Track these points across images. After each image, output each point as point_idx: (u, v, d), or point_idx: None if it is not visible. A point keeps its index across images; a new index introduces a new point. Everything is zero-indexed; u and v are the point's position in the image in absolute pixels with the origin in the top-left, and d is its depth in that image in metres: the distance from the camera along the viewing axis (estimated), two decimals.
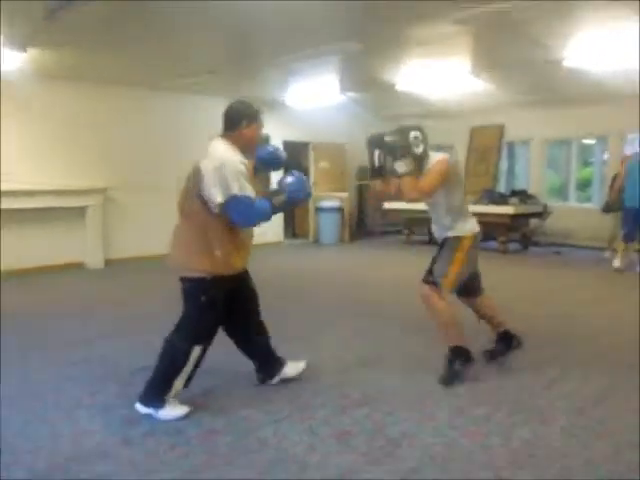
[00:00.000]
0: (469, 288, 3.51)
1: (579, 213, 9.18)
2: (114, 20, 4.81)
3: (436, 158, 3.29)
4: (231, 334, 3.23)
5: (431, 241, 10.35)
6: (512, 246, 9.29)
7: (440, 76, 7.09)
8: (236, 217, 2.74)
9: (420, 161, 3.25)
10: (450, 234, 3.35)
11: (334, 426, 2.81)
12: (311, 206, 10.85)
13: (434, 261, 3.36)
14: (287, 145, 10.32)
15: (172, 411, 2.91)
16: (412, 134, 3.22)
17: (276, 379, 3.34)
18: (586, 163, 11.39)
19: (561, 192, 10.78)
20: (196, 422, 2.86)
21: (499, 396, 3.20)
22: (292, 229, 11.31)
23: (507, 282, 6.35)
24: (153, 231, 8.44)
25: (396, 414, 2.95)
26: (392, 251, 9.70)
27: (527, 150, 10.59)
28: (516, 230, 9.16)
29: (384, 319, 4.86)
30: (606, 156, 9.73)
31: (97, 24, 4.93)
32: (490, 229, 9.42)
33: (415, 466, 2.42)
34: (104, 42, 5.66)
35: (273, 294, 6.05)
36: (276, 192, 2.89)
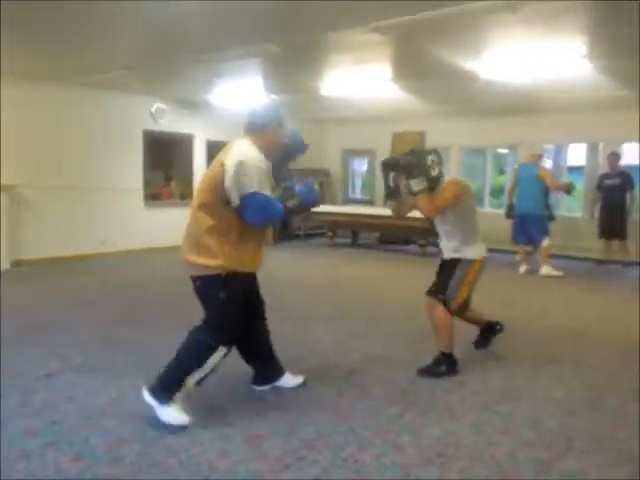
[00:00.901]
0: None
1: (492, 218, 9.61)
2: (27, 13, 4.53)
3: (449, 180, 3.63)
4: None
5: (354, 243, 10.61)
6: (431, 249, 9.57)
7: (362, 82, 7.20)
8: (250, 214, 2.71)
9: (435, 182, 3.50)
10: (463, 256, 3.59)
11: (248, 430, 2.76)
12: None
13: (444, 278, 3.64)
14: (212, 145, 10.20)
15: (176, 415, 2.79)
16: (429, 157, 3.46)
17: (269, 386, 3.30)
18: (501, 171, 11.97)
19: (477, 198, 11.25)
20: (102, 431, 2.73)
21: (413, 395, 3.27)
22: None
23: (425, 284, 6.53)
24: (66, 231, 8.09)
25: (311, 416, 2.94)
26: (315, 253, 9.74)
27: (446, 157, 10.97)
28: (435, 234, 9.45)
29: (305, 319, 4.86)
30: (516, 165, 10.24)
31: (9, 17, 4.62)
32: (410, 233, 9.73)
33: (327, 467, 2.42)
34: (16, 36, 5.32)
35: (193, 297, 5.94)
36: (286, 195, 2.90)
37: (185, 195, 9.96)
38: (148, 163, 9.32)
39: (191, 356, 2.83)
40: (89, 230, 8.38)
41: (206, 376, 2.86)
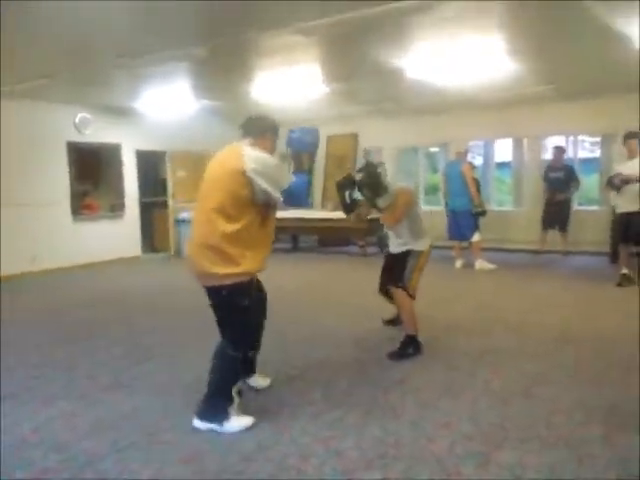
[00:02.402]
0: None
1: (428, 215, 9.78)
2: None
3: (398, 187, 4.11)
4: None
5: (294, 247, 10.54)
6: (371, 249, 9.66)
7: (293, 85, 7.17)
8: (294, 201, 2.96)
9: (385, 190, 4.00)
10: (412, 248, 4.10)
11: (183, 449, 2.65)
12: (170, 218, 10.45)
13: (399, 269, 4.07)
14: (141, 154, 9.90)
15: (238, 422, 2.84)
16: (380, 169, 3.99)
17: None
18: (434, 170, 12.22)
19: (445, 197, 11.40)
20: (26, 461, 2.55)
21: (353, 397, 3.24)
22: (150, 242, 10.79)
23: (368, 283, 6.55)
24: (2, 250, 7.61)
25: (251, 429, 2.85)
26: None
27: (380, 157, 11.11)
28: (373, 234, 9.52)
29: None
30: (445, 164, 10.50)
31: None
32: (350, 234, 9.78)
33: None
34: None
35: (133, 311, 5.73)
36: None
37: (115, 207, 9.62)
38: (75, 175, 8.92)
39: (228, 371, 2.88)
40: (17, 248, 7.91)
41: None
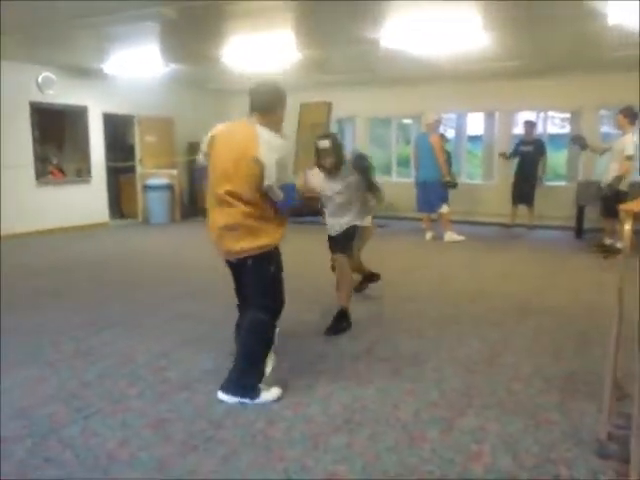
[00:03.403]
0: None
1: (400, 188, 9.84)
2: None
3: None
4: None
5: None
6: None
7: (266, 50, 7.01)
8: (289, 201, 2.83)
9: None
10: (357, 223, 4.06)
11: (150, 415, 2.65)
12: (139, 183, 10.25)
13: (344, 241, 4.03)
14: (108, 118, 9.62)
15: (269, 394, 2.81)
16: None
17: None
18: (407, 141, 12.22)
19: (385, 168, 11.45)
20: None
21: (321, 365, 3.27)
22: (119, 208, 10.60)
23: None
24: None
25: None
26: None
27: (352, 127, 11.05)
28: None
29: (209, 300, 4.74)
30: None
31: None
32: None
33: (236, 446, 2.37)
34: None
35: (97, 278, 5.64)
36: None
37: (81, 171, 9.38)
38: (38, 138, 8.62)
39: (262, 341, 2.86)
40: None
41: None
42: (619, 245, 6.39)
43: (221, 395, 2.82)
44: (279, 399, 2.81)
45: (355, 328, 3.94)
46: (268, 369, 2.91)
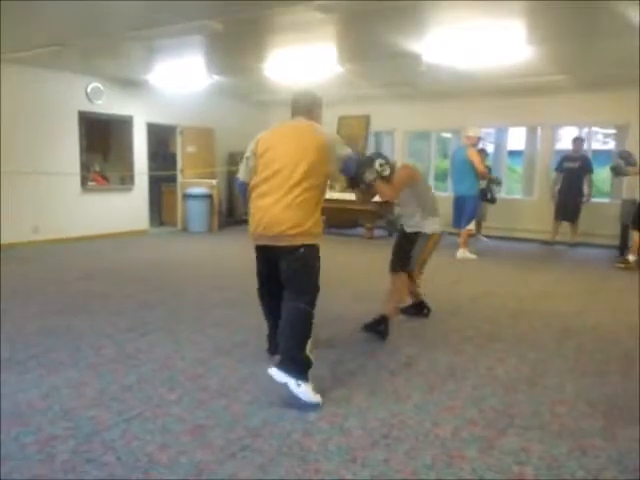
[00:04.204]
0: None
1: (439, 201, 9.73)
2: None
3: (399, 165, 4.14)
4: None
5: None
6: (377, 232, 9.65)
7: (307, 64, 7.09)
8: (351, 168, 3.28)
9: (389, 178, 3.75)
10: (421, 230, 4.10)
11: (189, 421, 2.67)
12: (179, 192, 10.45)
13: (406, 250, 4.14)
14: (152, 127, 9.86)
15: (312, 393, 2.88)
16: (377, 162, 3.66)
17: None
18: (445, 155, 12.13)
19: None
20: (34, 428, 2.58)
21: (359, 377, 3.26)
22: (159, 216, 10.82)
23: (374, 267, 6.56)
24: (6, 218, 7.62)
25: (257, 403, 2.88)
26: None
27: (391, 140, 11.03)
28: (381, 217, 9.50)
29: (246, 308, 4.76)
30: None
31: None
32: (357, 216, 9.74)
33: (273, 455, 2.37)
34: None
35: (137, 284, 5.75)
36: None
37: (124, 179, 9.62)
38: (85, 146, 8.90)
39: (304, 327, 2.96)
40: (21, 217, 7.94)
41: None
42: (630, 257, 6.77)
43: (272, 371, 2.89)
44: (319, 406, 2.82)
45: (394, 341, 3.91)
46: (312, 357, 2.95)
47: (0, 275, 5.83)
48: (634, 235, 6.96)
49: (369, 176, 3.62)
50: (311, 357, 2.93)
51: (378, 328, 3.96)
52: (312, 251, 3.07)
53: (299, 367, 2.88)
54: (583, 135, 9.21)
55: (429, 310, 4.60)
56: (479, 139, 7.90)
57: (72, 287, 5.62)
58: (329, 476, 2.22)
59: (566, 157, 8.67)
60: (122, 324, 4.27)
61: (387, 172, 3.69)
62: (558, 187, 8.70)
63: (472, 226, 7.81)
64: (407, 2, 4.61)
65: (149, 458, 2.33)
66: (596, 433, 2.62)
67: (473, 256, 7.67)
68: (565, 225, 8.64)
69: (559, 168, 8.66)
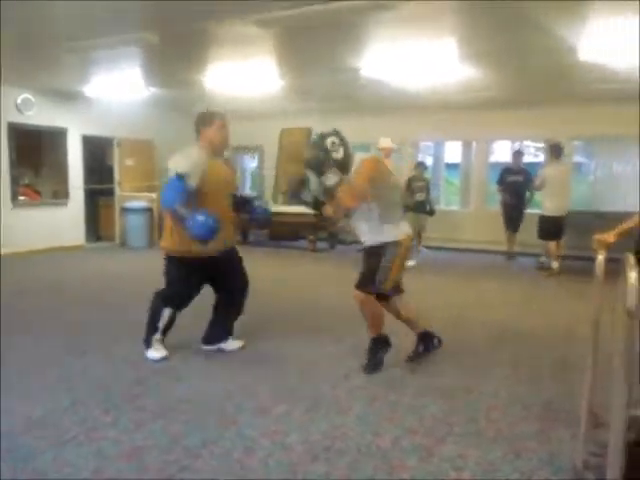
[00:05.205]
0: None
1: None
2: None
3: (361, 158, 3.41)
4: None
5: (244, 241, 10.40)
6: (320, 244, 9.71)
7: (247, 77, 7.09)
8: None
9: (343, 165, 3.30)
10: (385, 239, 3.39)
11: (126, 443, 2.59)
12: (117, 206, 10.16)
13: (370, 267, 3.43)
14: (88, 140, 9.57)
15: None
16: (329, 140, 3.26)
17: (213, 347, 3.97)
18: None
19: None
20: None
21: (299, 392, 3.25)
22: (96, 231, 10.47)
23: (317, 278, 6.59)
24: None
25: (196, 422, 2.82)
26: None
27: None
28: (324, 229, 9.57)
29: (186, 325, 4.68)
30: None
31: None
32: (299, 228, 9.78)
33: (213, 478, 2.32)
34: None
35: (69, 301, 5.53)
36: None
37: (58, 193, 9.28)
38: (15, 159, 8.52)
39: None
40: None
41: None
42: (553, 265, 7.40)
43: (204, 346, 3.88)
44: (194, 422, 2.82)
45: (332, 353, 3.92)
46: None
47: None
48: (550, 245, 7.55)
49: (329, 181, 3.30)
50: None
51: (378, 357, 3.57)
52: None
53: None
54: (521, 149, 9.57)
55: (440, 341, 3.83)
56: (390, 150, 7.56)
57: (3, 306, 5.34)
58: None
59: (507, 170, 8.86)
60: (57, 344, 4.10)
61: (340, 154, 3.23)
62: (501, 199, 8.88)
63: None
64: (345, 17, 4.69)
65: None
66: (530, 436, 2.72)
67: (412, 262, 7.57)
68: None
69: (500, 181, 8.85)
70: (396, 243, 3.40)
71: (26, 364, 3.67)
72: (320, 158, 3.33)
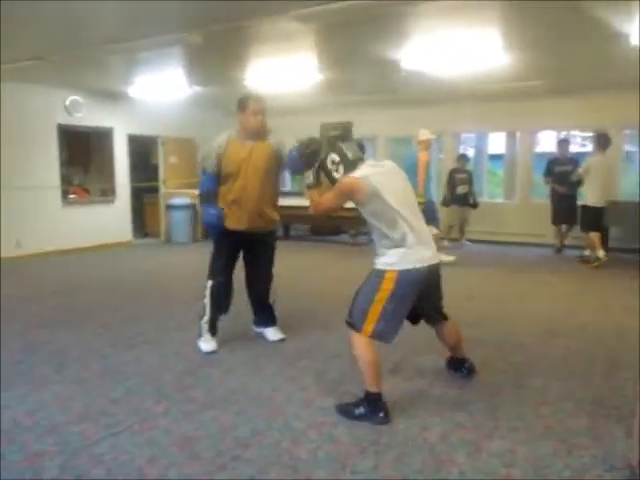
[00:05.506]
0: (425, 316, 3.20)
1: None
2: None
3: (351, 175, 2.86)
4: None
5: (286, 235, 10.50)
6: (362, 238, 9.68)
7: (287, 73, 7.13)
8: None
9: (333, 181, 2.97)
10: (375, 265, 2.85)
11: (178, 433, 2.67)
12: (161, 203, 10.40)
13: (355, 296, 2.90)
14: (133, 139, 9.82)
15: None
16: (329, 158, 2.95)
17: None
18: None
19: None
20: (20, 445, 2.55)
21: (345, 385, 3.27)
22: (142, 228, 10.75)
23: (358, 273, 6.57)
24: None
25: (245, 414, 2.88)
26: None
27: (372, 147, 11.10)
28: (365, 223, 9.53)
29: (232, 317, 4.76)
30: (441, 155, 10.53)
31: None
32: (341, 223, 9.78)
33: (263, 467, 2.37)
34: None
35: (119, 296, 5.71)
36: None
37: (106, 191, 9.56)
38: (65, 159, 8.83)
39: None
40: (4, 232, 7.83)
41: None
42: (600, 254, 7.27)
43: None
44: (243, 414, 2.87)
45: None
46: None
47: None
48: (592, 236, 7.41)
49: (307, 179, 3.24)
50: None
51: (353, 411, 2.83)
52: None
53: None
54: (567, 137, 9.28)
55: (470, 370, 3.37)
56: (429, 141, 7.39)
57: (55, 301, 5.56)
58: None
59: (555, 160, 8.59)
60: (107, 338, 4.25)
61: (339, 175, 2.91)
62: (550, 191, 8.62)
63: (435, 231, 7.15)
64: (385, 10, 4.66)
65: (139, 472, 2.32)
66: (582, 433, 2.66)
67: (450, 258, 7.42)
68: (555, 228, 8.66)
69: (549, 172, 8.59)
70: (381, 272, 2.79)
71: (79, 357, 3.81)
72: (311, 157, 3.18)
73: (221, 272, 3.89)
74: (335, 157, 2.95)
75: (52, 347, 4.02)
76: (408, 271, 2.76)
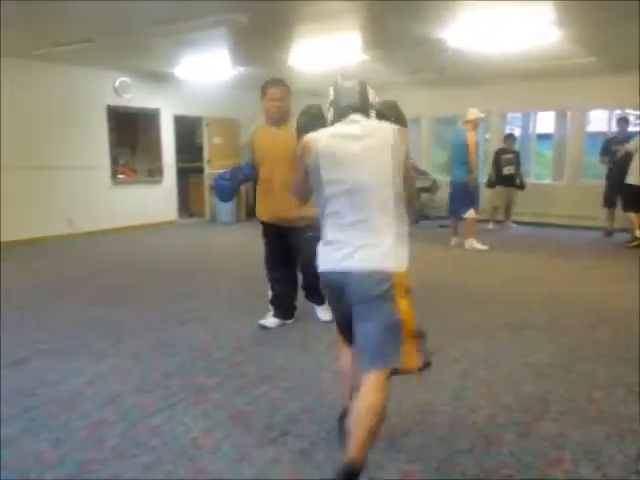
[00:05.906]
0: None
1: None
2: None
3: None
4: None
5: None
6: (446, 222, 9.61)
7: (331, 52, 7.07)
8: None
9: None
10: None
11: (231, 407, 2.76)
12: (206, 184, 10.56)
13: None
14: (179, 120, 9.97)
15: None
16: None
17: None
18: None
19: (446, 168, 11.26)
20: (83, 413, 2.69)
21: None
22: (187, 207, 10.96)
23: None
24: (29, 213, 7.82)
25: (294, 390, 2.95)
26: None
27: (417, 127, 10.95)
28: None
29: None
30: (487, 135, 10.31)
31: None
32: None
33: (314, 441, 2.43)
34: None
35: (166, 274, 5.88)
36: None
37: (153, 171, 9.76)
38: (114, 139, 9.05)
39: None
40: (54, 211, 8.14)
41: None
42: (638, 233, 7.22)
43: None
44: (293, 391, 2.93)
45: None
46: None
47: (37, 268, 6.01)
48: (632, 216, 7.41)
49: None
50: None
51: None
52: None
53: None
54: (626, 116, 8.91)
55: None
56: (477, 120, 7.26)
57: (107, 279, 5.76)
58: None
59: (613, 139, 8.25)
60: (159, 314, 4.39)
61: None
62: (607, 171, 8.28)
63: (474, 214, 7.20)
64: None
65: (193, 443, 2.42)
66: (634, 418, 2.62)
67: (484, 247, 7.17)
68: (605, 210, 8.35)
69: (605, 151, 8.23)
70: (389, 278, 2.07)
71: (133, 332, 3.96)
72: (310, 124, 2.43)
73: (271, 260, 4.06)
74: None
75: (107, 322, 4.19)
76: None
